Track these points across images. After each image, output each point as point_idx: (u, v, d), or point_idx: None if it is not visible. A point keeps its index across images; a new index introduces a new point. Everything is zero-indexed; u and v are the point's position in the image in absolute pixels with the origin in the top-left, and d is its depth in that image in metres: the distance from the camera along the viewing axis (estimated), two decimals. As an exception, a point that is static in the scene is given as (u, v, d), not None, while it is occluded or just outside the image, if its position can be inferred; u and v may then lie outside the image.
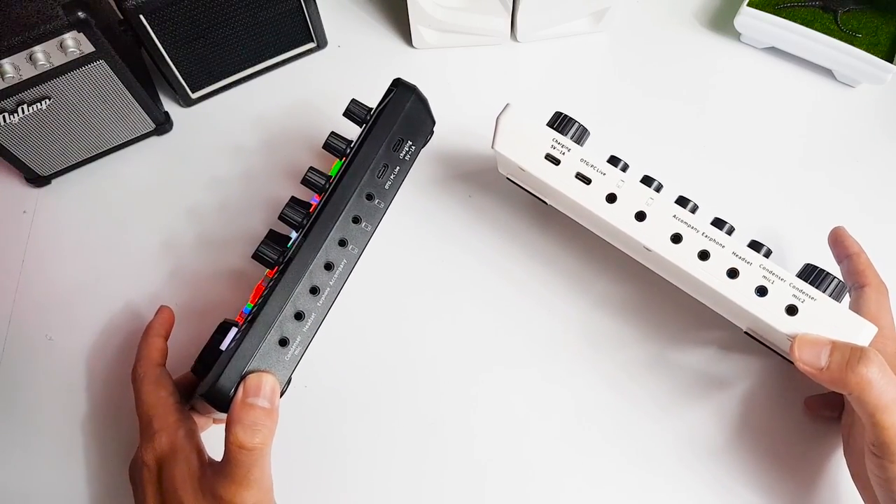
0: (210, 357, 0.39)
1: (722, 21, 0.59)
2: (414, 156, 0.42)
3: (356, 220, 0.40)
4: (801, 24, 0.54)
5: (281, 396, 0.37)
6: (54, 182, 0.54)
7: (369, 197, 0.41)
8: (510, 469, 0.44)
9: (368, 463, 0.44)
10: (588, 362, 0.46)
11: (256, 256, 0.40)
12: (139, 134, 0.54)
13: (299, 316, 0.38)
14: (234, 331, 0.39)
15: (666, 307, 0.47)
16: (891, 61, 0.52)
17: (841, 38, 0.54)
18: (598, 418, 0.45)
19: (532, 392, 0.46)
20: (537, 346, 0.47)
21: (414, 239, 0.51)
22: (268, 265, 0.40)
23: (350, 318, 0.48)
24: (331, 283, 0.39)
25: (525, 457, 0.44)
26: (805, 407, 0.44)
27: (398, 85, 0.43)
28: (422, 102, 0.43)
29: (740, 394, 0.45)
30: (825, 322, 0.36)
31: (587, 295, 0.48)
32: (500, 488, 0.44)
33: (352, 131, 0.44)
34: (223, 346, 0.39)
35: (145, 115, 0.52)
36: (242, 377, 0.36)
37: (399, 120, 0.42)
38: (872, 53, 0.53)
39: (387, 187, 0.41)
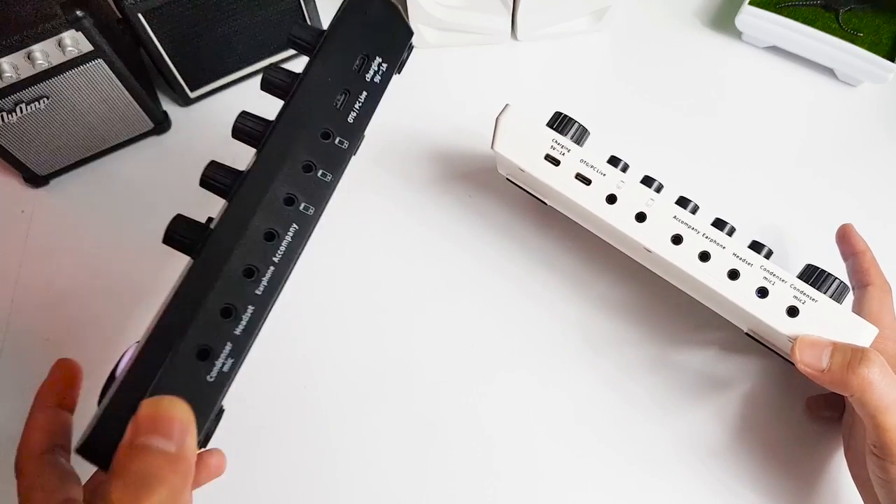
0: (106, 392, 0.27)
1: (723, 20, 0.59)
2: (387, 77, 0.32)
3: (309, 168, 0.29)
4: (803, 23, 0.54)
5: (207, 440, 0.26)
6: (53, 182, 0.53)
7: (326, 136, 0.30)
8: (509, 470, 0.44)
9: (367, 464, 0.44)
10: (588, 363, 0.46)
11: (168, 238, 0.29)
12: (138, 133, 0.54)
13: (228, 312, 0.27)
14: (133, 347, 0.28)
15: (666, 308, 0.47)
16: (892, 60, 0.52)
17: (842, 37, 0.53)
18: (598, 419, 0.45)
19: (531, 393, 0.46)
20: (537, 347, 0.47)
21: (413, 238, 0.50)
22: (185, 249, 0.29)
23: (347, 318, 0.48)
24: (275, 258, 0.28)
25: (524, 458, 0.44)
26: (806, 407, 0.44)
27: None
28: (388, 6, 0.33)
29: (741, 395, 0.45)
30: (826, 323, 0.36)
31: (587, 296, 0.48)
32: (499, 489, 0.43)
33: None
34: (118, 373, 0.27)
35: (144, 115, 0.52)
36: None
37: (359, 31, 0.31)
38: (874, 52, 0.52)
39: (351, 120, 0.31)
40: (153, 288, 0.50)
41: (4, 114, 0.45)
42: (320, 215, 0.30)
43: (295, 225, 0.29)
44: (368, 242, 0.50)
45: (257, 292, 0.28)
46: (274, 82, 0.31)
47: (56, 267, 0.51)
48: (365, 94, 0.31)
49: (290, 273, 0.29)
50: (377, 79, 0.32)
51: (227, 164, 0.31)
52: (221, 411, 0.27)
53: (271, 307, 0.28)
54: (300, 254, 0.29)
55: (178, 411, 0.25)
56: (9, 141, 0.47)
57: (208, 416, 0.26)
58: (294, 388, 0.45)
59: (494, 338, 0.47)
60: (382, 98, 0.32)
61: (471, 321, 0.48)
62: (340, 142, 0.30)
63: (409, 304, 0.48)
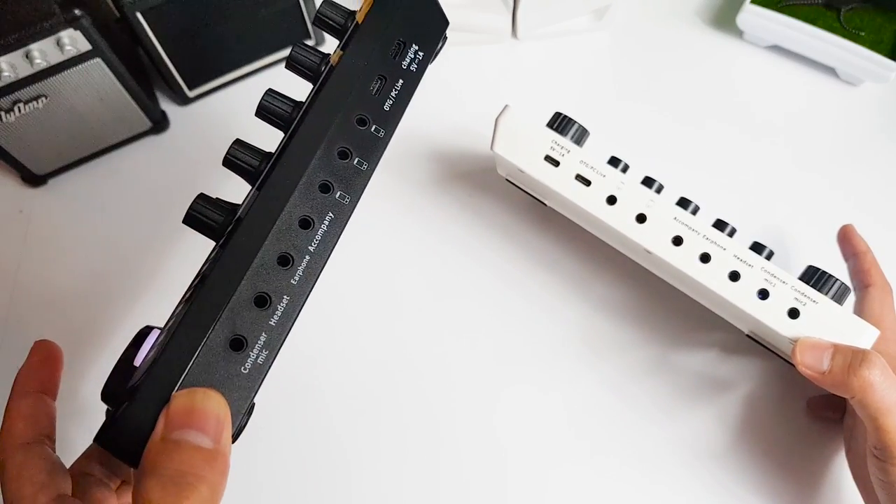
0: (119, 382, 0.26)
1: (724, 19, 0.59)
2: (423, 66, 0.31)
3: (345, 155, 0.28)
4: (804, 21, 0.54)
5: (238, 435, 0.26)
6: (51, 182, 0.53)
7: (362, 122, 0.29)
8: (509, 472, 0.44)
9: (364, 465, 0.44)
10: (587, 365, 0.46)
11: (189, 219, 0.27)
12: (136, 133, 0.53)
13: (262, 301, 0.25)
14: (154, 334, 0.27)
15: (667, 310, 0.47)
16: (894, 59, 0.52)
17: (844, 36, 0.53)
18: (598, 421, 0.45)
19: (530, 395, 0.45)
20: (535, 349, 0.47)
21: (410, 239, 0.50)
22: (209, 232, 0.28)
23: (345, 318, 0.47)
24: (311, 247, 0.27)
25: (523, 460, 0.44)
26: (807, 408, 0.44)
27: None
28: None
29: (742, 396, 0.45)
30: (827, 325, 0.36)
31: (587, 297, 0.48)
32: (500, 491, 0.43)
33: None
34: (138, 362, 0.26)
35: (142, 114, 0.52)
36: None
37: (396, 16, 0.30)
38: (876, 51, 0.52)
39: (387, 108, 0.30)
40: (152, 287, 0.50)
41: (2, 113, 0.45)
42: (355, 206, 0.28)
43: (331, 214, 0.27)
44: (366, 242, 0.50)
45: (293, 282, 0.26)
46: (303, 62, 0.30)
47: (54, 266, 0.50)
48: (401, 81, 0.30)
49: (325, 264, 0.28)
50: (413, 67, 0.31)
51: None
52: (252, 406, 0.26)
53: (307, 299, 0.27)
54: (335, 246, 0.28)
55: (214, 404, 0.23)
56: (7, 140, 0.47)
57: (242, 410, 0.25)
58: (292, 388, 0.45)
59: (492, 340, 0.47)
60: (417, 89, 0.31)
61: (469, 321, 0.48)
62: (377, 130, 0.29)
63: (408, 304, 0.48)
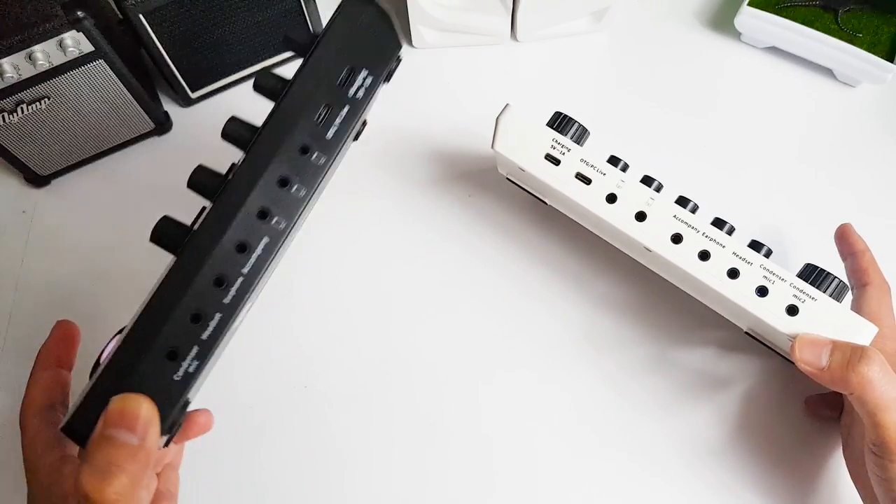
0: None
1: (722, 20, 0.59)
2: (371, 91, 0.32)
3: (283, 183, 0.31)
4: (802, 23, 0.54)
5: (172, 432, 0.30)
6: (54, 182, 0.53)
7: (304, 150, 0.31)
8: (509, 469, 0.44)
9: (365, 464, 0.44)
10: (588, 362, 0.46)
11: (153, 237, 0.31)
12: (139, 134, 0.54)
13: (197, 318, 0.29)
14: (117, 338, 0.30)
15: (666, 307, 0.47)
16: (891, 61, 0.52)
17: (841, 38, 0.53)
18: (598, 418, 0.45)
19: (531, 392, 0.46)
20: (537, 347, 0.47)
21: (412, 238, 0.50)
22: (169, 249, 0.31)
23: (348, 318, 0.48)
24: (244, 270, 0.30)
25: (524, 457, 0.44)
26: (805, 406, 0.44)
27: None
28: (381, 17, 0.32)
29: (740, 393, 0.45)
30: (826, 322, 0.36)
31: (587, 295, 0.48)
32: (500, 488, 0.43)
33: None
34: (102, 359, 0.30)
35: (145, 115, 0.52)
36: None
37: (348, 41, 0.32)
38: (873, 53, 0.53)
39: (329, 136, 0.31)
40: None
41: (6, 114, 0.45)
42: (291, 228, 0.31)
43: (266, 238, 0.30)
44: (368, 242, 0.50)
45: (225, 301, 0.30)
46: (264, 87, 0.32)
47: (57, 267, 0.51)
48: (346, 109, 0.32)
49: (257, 284, 0.30)
50: (360, 94, 0.32)
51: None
52: (187, 403, 0.30)
53: (237, 315, 0.30)
54: (269, 266, 0.31)
55: (143, 409, 0.28)
56: (10, 141, 0.47)
57: (172, 410, 0.29)
58: (294, 388, 0.46)
59: (494, 337, 0.47)
60: (365, 110, 0.33)
61: (471, 320, 0.48)
62: (317, 157, 0.31)
63: (409, 304, 0.49)
